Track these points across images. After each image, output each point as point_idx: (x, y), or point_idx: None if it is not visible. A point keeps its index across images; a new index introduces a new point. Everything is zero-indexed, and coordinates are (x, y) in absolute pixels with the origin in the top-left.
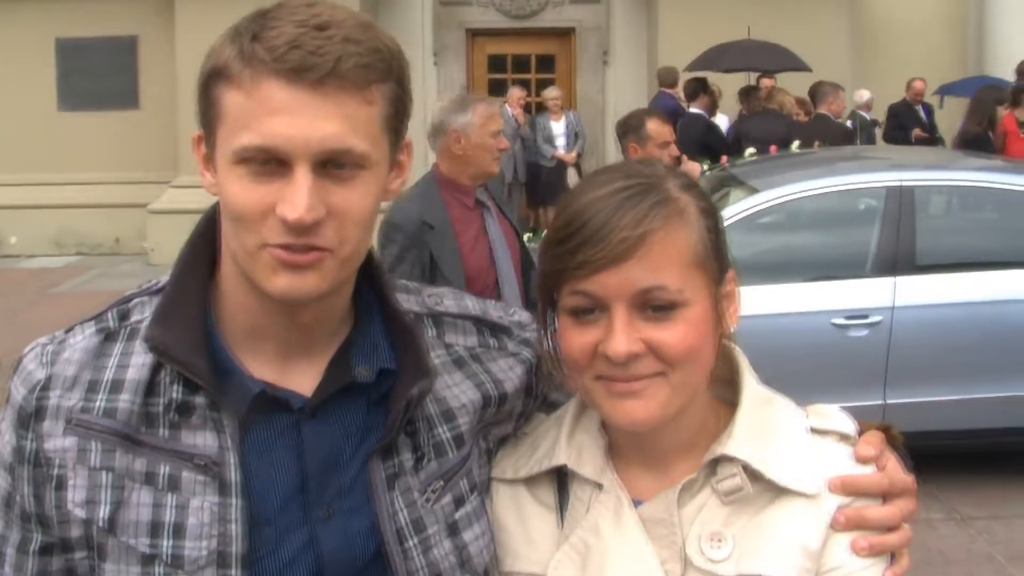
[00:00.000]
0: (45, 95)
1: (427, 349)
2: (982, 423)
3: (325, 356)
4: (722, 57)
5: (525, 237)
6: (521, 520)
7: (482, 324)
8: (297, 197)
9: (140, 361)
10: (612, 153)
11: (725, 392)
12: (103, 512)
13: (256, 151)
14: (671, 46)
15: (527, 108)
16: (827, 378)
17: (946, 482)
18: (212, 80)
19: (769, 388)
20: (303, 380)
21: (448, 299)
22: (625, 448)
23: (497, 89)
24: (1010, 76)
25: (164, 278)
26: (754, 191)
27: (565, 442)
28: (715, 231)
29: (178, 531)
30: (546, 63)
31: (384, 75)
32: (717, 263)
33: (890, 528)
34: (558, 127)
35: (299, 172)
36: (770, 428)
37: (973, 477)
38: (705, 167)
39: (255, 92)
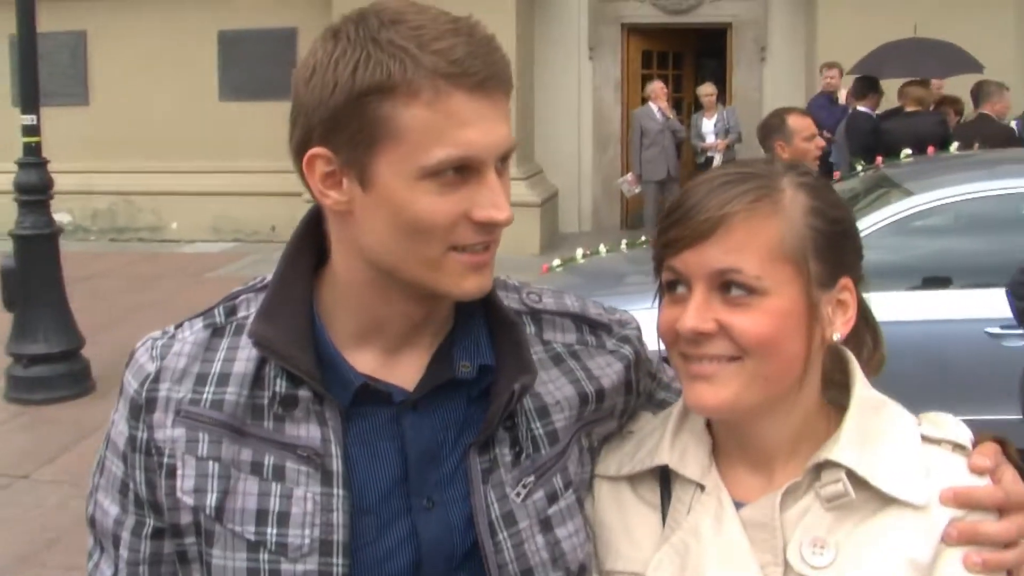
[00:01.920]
0: (207, 85)
1: (528, 344)
2: None
3: (428, 351)
4: (886, 62)
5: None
6: (623, 518)
7: (581, 321)
8: (499, 199)
9: (246, 355)
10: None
11: (839, 397)
12: (211, 500)
13: (456, 162)
14: (830, 42)
15: (677, 104)
16: (980, 389)
17: None
18: (373, 97)
19: (882, 393)
20: (405, 374)
21: (547, 297)
22: (729, 448)
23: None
24: None
25: (269, 276)
26: (908, 193)
27: (669, 442)
28: (826, 233)
29: (282, 520)
30: (701, 58)
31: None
32: (824, 265)
33: (1006, 545)
34: (708, 124)
35: (491, 176)
36: (878, 434)
37: None
38: (859, 167)
39: (442, 106)
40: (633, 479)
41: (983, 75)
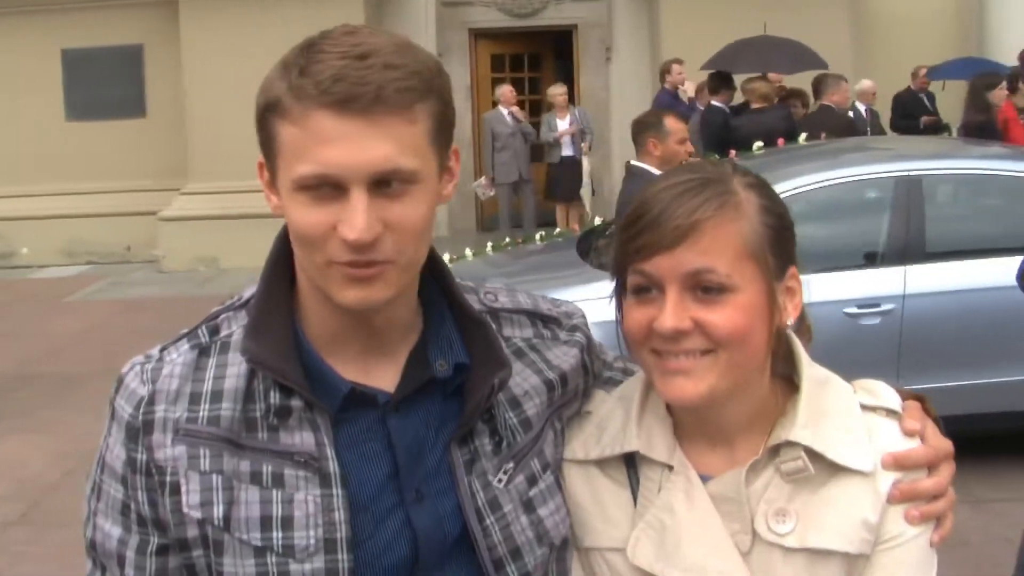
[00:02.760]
0: (52, 106)
1: (500, 340)
2: (995, 407)
3: (402, 355)
4: (739, 58)
5: (538, 236)
6: (596, 498)
7: (535, 317)
8: (355, 219)
9: (235, 371)
10: (616, 148)
11: (782, 368)
12: (218, 512)
13: (313, 179)
14: (673, 41)
15: (523, 105)
16: (840, 366)
17: (961, 465)
18: (267, 114)
19: (822, 368)
20: (384, 378)
21: (502, 295)
22: (690, 427)
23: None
24: (1010, 62)
25: (245, 293)
26: None
27: (635, 427)
28: (775, 228)
29: (286, 524)
30: (547, 61)
31: (424, 94)
32: (776, 258)
33: (936, 496)
34: (563, 124)
35: (355, 195)
36: (828, 409)
37: (988, 460)
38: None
39: (307, 124)
40: (600, 462)
41: (826, 71)
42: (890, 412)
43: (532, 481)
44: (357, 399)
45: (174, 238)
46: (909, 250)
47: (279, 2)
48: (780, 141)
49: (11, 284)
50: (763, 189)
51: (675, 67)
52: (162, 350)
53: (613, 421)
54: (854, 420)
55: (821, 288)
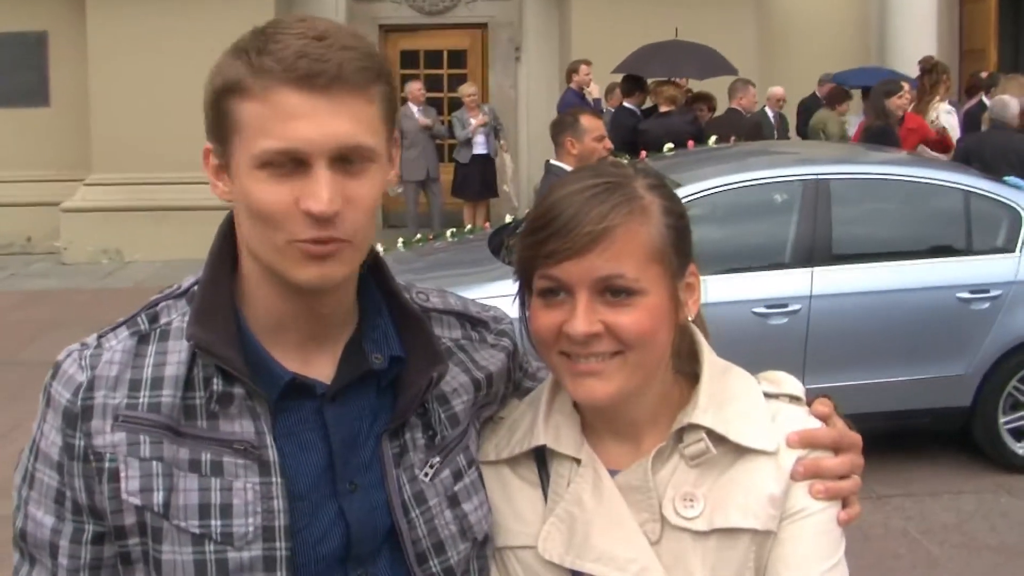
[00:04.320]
0: None
1: (436, 337)
2: (893, 405)
3: (338, 346)
4: (650, 63)
5: (448, 233)
6: (508, 498)
7: (464, 319)
8: (320, 191)
9: (176, 359)
10: (525, 146)
11: (685, 365)
12: (157, 498)
13: (277, 154)
14: (582, 42)
15: (434, 103)
16: (749, 364)
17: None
18: (223, 95)
19: (722, 360)
20: (321, 369)
21: (434, 296)
22: (597, 423)
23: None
24: (908, 70)
25: (185, 282)
26: (676, 185)
27: (543, 423)
28: (677, 228)
29: (225, 511)
30: (458, 58)
31: (377, 77)
32: (678, 257)
33: (841, 477)
34: (475, 122)
35: (319, 169)
36: (729, 395)
37: (886, 457)
38: (625, 162)
39: (269, 100)
40: (511, 462)
41: (736, 76)
42: (793, 398)
43: (458, 476)
44: (296, 389)
45: (77, 230)
46: (815, 252)
47: None
48: (690, 143)
49: None
50: (664, 190)
51: (583, 68)
52: (99, 337)
53: (523, 421)
54: (756, 404)
55: (731, 288)
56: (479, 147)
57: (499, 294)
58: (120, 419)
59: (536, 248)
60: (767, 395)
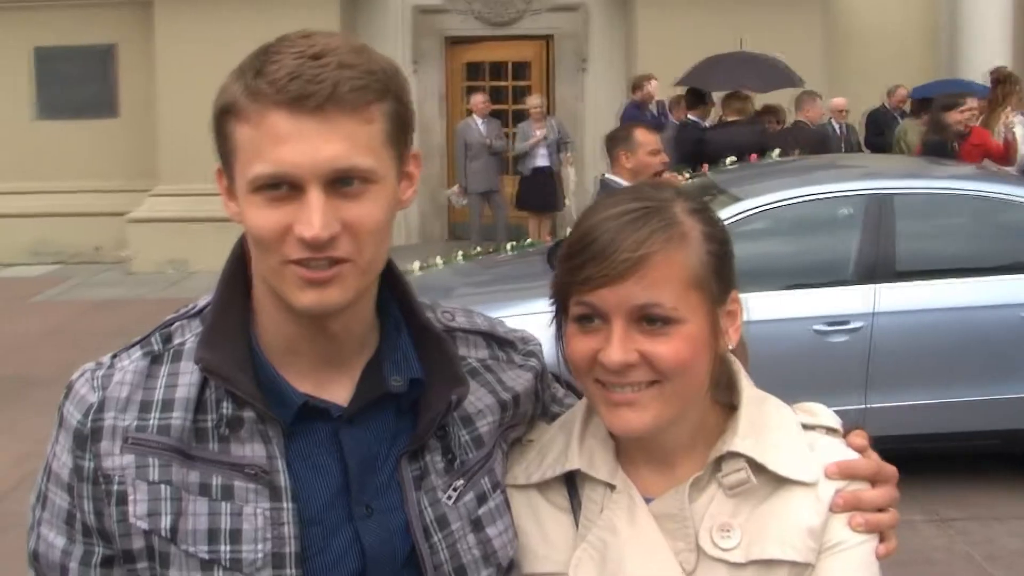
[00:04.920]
0: (22, 104)
1: (457, 357)
2: (960, 426)
3: (356, 368)
4: (712, 75)
5: (508, 246)
6: (538, 523)
7: (491, 339)
8: (312, 217)
9: (187, 380)
10: (589, 160)
11: (721, 395)
12: (165, 523)
13: (269, 179)
14: (648, 53)
15: (499, 115)
16: (809, 383)
17: (926, 484)
18: (223, 117)
19: (759, 390)
20: (338, 391)
21: (460, 316)
22: (632, 449)
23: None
24: (978, 78)
25: (200, 301)
26: (735, 199)
27: (577, 447)
28: (719, 255)
29: (234, 537)
30: (523, 70)
31: (381, 94)
32: (719, 284)
33: (880, 509)
34: (540, 135)
35: (311, 194)
36: (768, 425)
37: (952, 479)
38: (686, 175)
39: (262, 124)
40: (542, 486)
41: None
42: (830, 430)
43: (482, 499)
44: (310, 412)
45: (143, 240)
46: (879, 268)
47: (254, 5)
48: (752, 156)
49: None
50: (705, 214)
51: (650, 83)
52: (113, 357)
53: (555, 445)
54: (795, 434)
55: (790, 305)
56: (541, 159)
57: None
58: (129, 441)
59: (572, 273)
60: (804, 426)
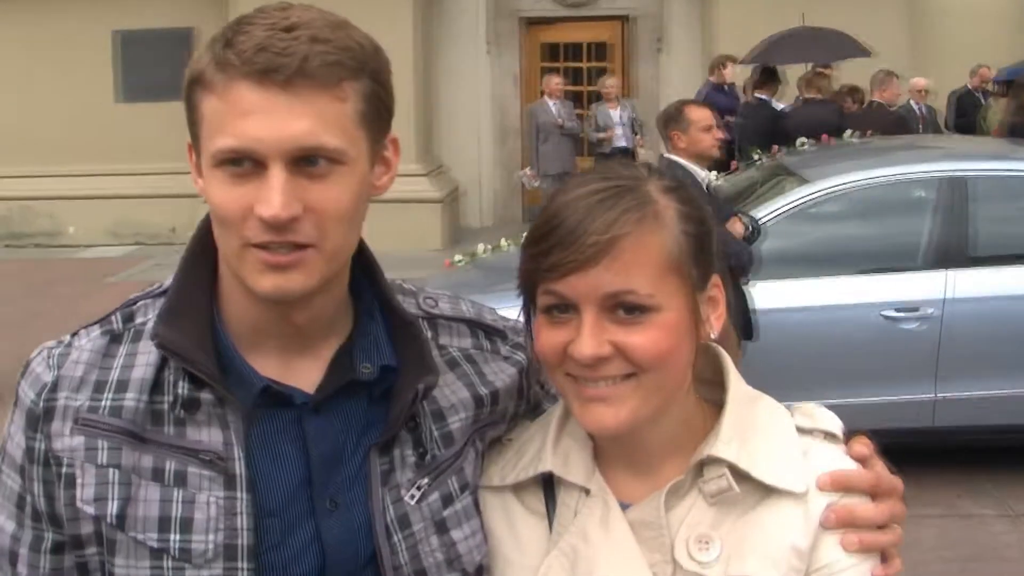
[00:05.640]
0: (102, 87)
1: (429, 345)
2: None
3: (327, 353)
4: (777, 50)
5: None
6: (511, 527)
7: (476, 327)
8: (272, 195)
9: (145, 360)
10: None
11: (711, 392)
12: (112, 508)
13: (231, 153)
14: (727, 33)
15: (575, 97)
16: (877, 372)
17: (999, 478)
18: (192, 88)
19: (753, 388)
20: (306, 376)
21: (443, 302)
22: (610, 451)
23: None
24: None
25: (167, 281)
26: (804, 181)
27: (551, 448)
28: (697, 235)
29: (186, 525)
30: (600, 51)
31: (355, 72)
32: (698, 268)
33: (880, 527)
34: (614, 115)
35: (273, 171)
36: (756, 427)
37: None
38: (757, 156)
39: (227, 96)
40: (517, 488)
41: (873, 60)
42: (829, 435)
43: (447, 500)
44: (273, 397)
45: None
46: (952, 253)
47: None
48: (825, 137)
49: (57, 263)
50: (681, 192)
51: (730, 64)
52: (73, 335)
53: (531, 445)
54: (786, 439)
55: (858, 290)
56: (620, 140)
57: None
58: (80, 422)
59: (537, 260)
60: (800, 430)
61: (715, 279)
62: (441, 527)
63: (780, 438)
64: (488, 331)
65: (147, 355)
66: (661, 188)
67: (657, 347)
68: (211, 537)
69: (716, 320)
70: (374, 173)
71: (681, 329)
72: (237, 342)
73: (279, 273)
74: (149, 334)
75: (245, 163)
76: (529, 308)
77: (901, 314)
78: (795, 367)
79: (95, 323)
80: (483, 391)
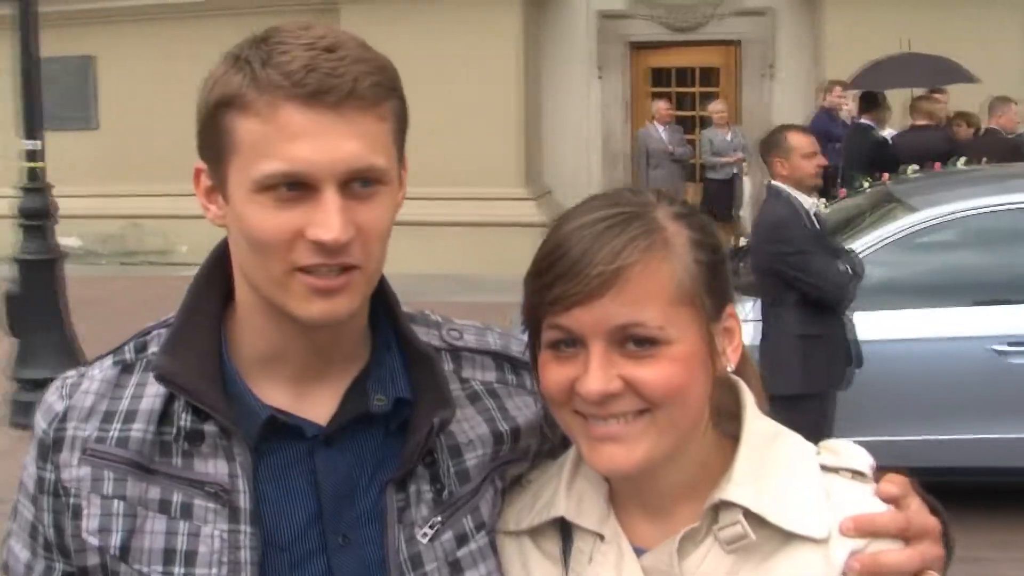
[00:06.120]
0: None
1: (446, 378)
2: None
3: (342, 384)
4: (878, 75)
5: None
6: (526, 572)
7: (502, 359)
8: (331, 219)
9: (154, 391)
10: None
11: (731, 427)
12: (115, 540)
13: (281, 177)
14: (838, 59)
15: (684, 122)
16: (985, 408)
17: None
18: (220, 110)
19: (775, 422)
20: (319, 408)
21: (469, 334)
22: (624, 492)
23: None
24: None
25: None
26: (913, 210)
27: (564, 491)
28: (709, 263)
29: (190, 559)
30: (709, 76)
31: (390, 91)
32: (712, 298)
33: (913, 575)
34: (725, 141)
35: (327, 194)
36: (774, 467)
37: None
38: (865, 184)
39: (273, 118)
40: (534, 532)
41: (982, 86)
42: (856, 474)
43: (462, 540)
44: (281, 429)
45: None
46: None
47: (438, 13)
48: (936, 165)
49: (167, 280)
50: (693, 219)
51: (837, 88)
52: (89, 365)
53: (547, 488)
54: (807, 479)
55: (965, 323)
56: (735, 167)
57: None
58: (87, 452)
59: (541, 293)
60: (825, 468)
61: (730, 309)
62: (455, 568)
63: (800, 478)
64: (514, 364)
65: (156, 386)
66: (671, 214)
67: (669, 381)
68: (214, 571)
69: (733, 352)
70: (397, 190)
71: (695, 362)
72: (246, 372)
73: (326, 298)
74: (150, 366)
75: (289, 188)
76: (533, 345)
77: (1012, 348)
78: (897, 401)
79: (109, 353)
80: (503, 427)
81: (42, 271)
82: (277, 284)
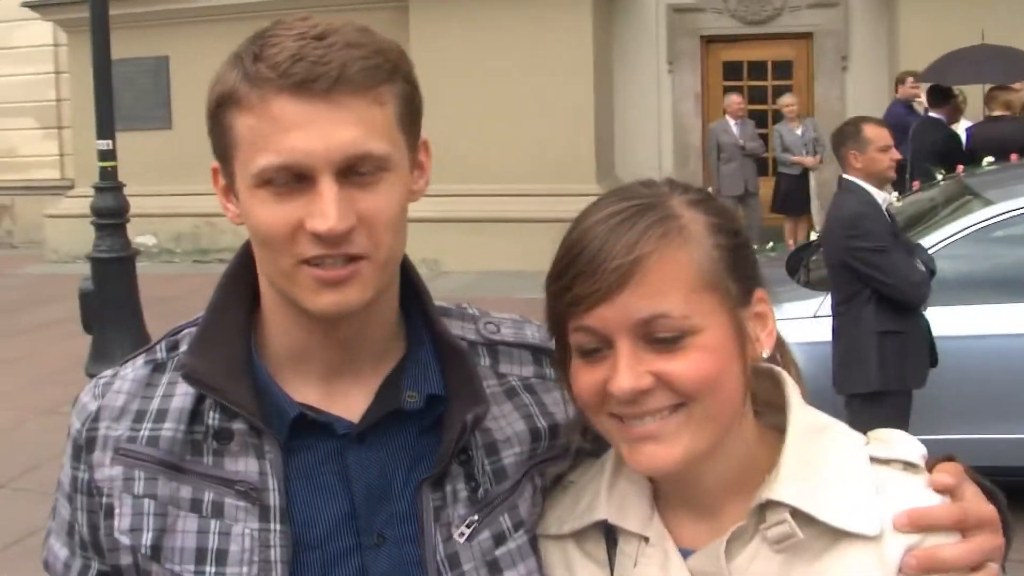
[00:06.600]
0: None
1: (479, 374)
2: None
3: (375, 380)
4: (952, 70)
5: (768, 246)
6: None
7: (541, 353)
8: (326, 208)
9: (185, 390)
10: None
11: (776, 419)
12: (146, 539)
13: (276, 170)
14: (912, 51)
15: (757, 116)
16: None
17: None
18: (221, 108)
19: (822, 413)
20: (351, 404)
21: (506, 327)
22: (668, 491)
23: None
24: None
25: None
26: (989, 203)
27: (606, 493)
28: (731, 247)
29: (221, 558)
30: (782, 69)
31: (391, 74)
32: (737, 283)
33: (972, 568)
34: (795, 135)
35: (323, 184)
36: (821, 462)
37: None
38: (939, 176)
39: (266, 112)
40: (577, 536)
41: None
42: (908, 465)
43: (500, 539)
44: (312, 427)
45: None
46: None
47: (506, 7)
48: (1013, 156)
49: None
50: (709, 204)
51: (909, 79)
52: (122, 364)
53: (588, 490)
54: (856, 473)
55: None
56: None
57: (788, 316)
58: (119, 452)
59: (561, 296)
60: (875, 460)
61: (760, 293)
62: (493, 567)
63: (849, 473)
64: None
65: (186, 385)
66: (686, 202)
67: (700, 372)
68: (245, 570)
69: (767, 337)
70: (412, 177)
71: (725, 350)
72: (276, 370)
73: (335, 290)
74: (178, 363)
75: (288, 180)
76: (561, 353)
77: None
78: (972, 399)
79: (142, 352)
80: (541, 423)
81: (115, 269)
82: (287, 277)
